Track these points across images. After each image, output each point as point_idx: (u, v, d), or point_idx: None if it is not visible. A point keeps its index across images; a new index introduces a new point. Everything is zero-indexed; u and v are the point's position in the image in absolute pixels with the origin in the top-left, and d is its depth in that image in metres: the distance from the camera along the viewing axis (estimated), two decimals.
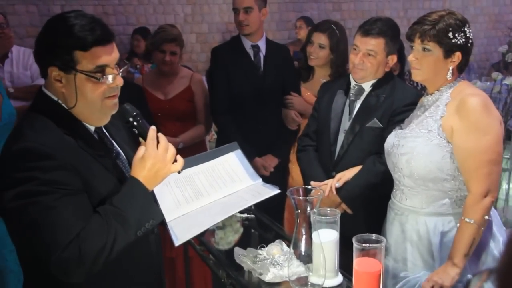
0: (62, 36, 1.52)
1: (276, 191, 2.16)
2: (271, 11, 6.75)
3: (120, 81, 1.60)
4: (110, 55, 1.57)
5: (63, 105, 1.59)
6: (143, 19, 6.38)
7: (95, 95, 1.57)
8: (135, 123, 1.67)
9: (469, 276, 2.14)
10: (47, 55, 1.55)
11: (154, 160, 1.60)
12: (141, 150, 1.62)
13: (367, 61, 2.57)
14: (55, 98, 1.59)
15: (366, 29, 2.57)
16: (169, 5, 6.55)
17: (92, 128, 1.67)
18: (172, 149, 1.66)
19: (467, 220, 2.07)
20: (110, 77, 1.57)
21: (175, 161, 1.66)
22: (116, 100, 1.63)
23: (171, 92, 3.50)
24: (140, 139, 1.67)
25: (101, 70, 1.55)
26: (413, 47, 2.22)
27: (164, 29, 3.58)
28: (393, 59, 2.62)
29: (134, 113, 1.68)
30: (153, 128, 1.65)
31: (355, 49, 2.60)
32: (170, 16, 6.46)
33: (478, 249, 2.14)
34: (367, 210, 2.58)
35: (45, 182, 1.44)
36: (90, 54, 1.53)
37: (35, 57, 1.60)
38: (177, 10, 6.59)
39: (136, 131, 1.67)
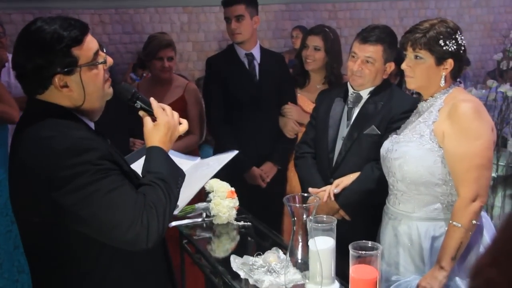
0: (55, 43, 1.52)
1: (234, 152, 2.23)
2: (267, 19, 6.78)
3: (111, 61, 1.67)
4: (94, 40, 1.63)
5: (67, 107, 1.60)
6: (140, 28, 6.40)
7: (98, 82, 1.62)
8: (139, 96, 1.75)
9: (457, 279, 2.15)
10: (47, 68, 1.53)
11: (168, 125, 1.71)
12: (148, 121, 1.72)
13: (366, 68, 2.59)
14: (60, 104, 1.59)
15: (364, 36, 2.59)
16: (166, 14, 6.56)
17: (92, 126, 1.70)
18: (176, 113, 1.77)
19: (454, 223, 2.09)
20: (107, 58, 1.64)
21: (180, 123, 1.79)
22: (110, 83, 1.69)
23: (165, 101, 3.42)
24: (140, 112, 1.76)
25: (95, 56, 1.61)
26: (406, 55, 2.25)
27: (155, 37, 3.59)
28: (391, 66, 2.64)
29: (133, 90, 1.76)
30: (153, 99, 1.76)
31: (353, 56, 2.62)
32: (166, 25, 6.47)
33: (467, 252, 2.15)
34: (365, 216, 2.59)
35: (98, 171, 1.48)
36: (84, 46, 1.57)
37: (25, 79, 1.57)
38: (173, 18, 6.61)
39: (139, 105, 1.75)
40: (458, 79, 2.29)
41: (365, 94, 2.67)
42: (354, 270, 1.67)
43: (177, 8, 6.61)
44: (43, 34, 1.52)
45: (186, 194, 1.91)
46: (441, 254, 2.11)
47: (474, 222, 2.09)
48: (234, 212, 2.63)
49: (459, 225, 2.08)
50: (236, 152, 2.24)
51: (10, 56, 3.95)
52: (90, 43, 1.60)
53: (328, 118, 2.76)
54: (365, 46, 2.58)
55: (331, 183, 2.63)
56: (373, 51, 2.57)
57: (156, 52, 3.48)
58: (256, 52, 3.50)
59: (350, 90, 2.71)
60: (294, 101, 3.45)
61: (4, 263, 3.36)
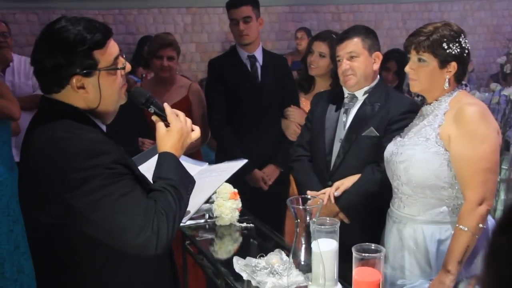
0: (78, 43, 1.52)
1: (243, 161, 2.21)
2: (270, 21, 6.78)
3: (129, 67, 1.68)
4: (115, 45, 1.63)
5: (81, 109, 1.60)
6: (143, 29, 6.40)
7: (115, 87, 1.63)
8: (154, 101, 1.76)
9: (465, 280, 2.15)
10: (66, 67, 1.53)
11: (182, 131, 1.71)
12: (161, 126, 1.72)
13: (353, 64, 2.61)
14: (74, 105, 1.59)
15: (340, 37, 2.68)
16: (169, 14, 6.57)
17: (104, 128, 1.70)
18: (189, 120, 1.77)
19: (461, 227, 2.08)
20: (126, 64, 1.65)
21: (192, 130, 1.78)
22: (125, 88, 1.70)
23: (168, 101, 3.40)
24: (153, 117, 1.76)
25: (115, 61, 1.61)
26: (410, 58, 2.25)
27: (159, 36, 3.63)
28: (378, 56, 2.66)
29: (148, 94, 1.76)
30: (166, 104, 1.76)
31: (339, 61, 2.66)
32: (170, 26, 6.47)
33: (473, 256, 2.15)
34: (366, 219, 2.58)
35: (111, 175, 1.48)
36: (106, 50, 1.58)
37: (43, 76, 1.57)
38: (177, 19, 6.61)
39: (153, 110, 1.75)
40: (464, 83, 2.29)
41: (360, 95, 2.67)
42: (357, 273, 1.67)
43: (180, 9, 6.61)
44: (67, 34, 1.53)
45: (194, 201, 1.91)
46: (447, 258, 2.10)
47: (480, 225, 2.09)
48: (237, 213, 2.63)
49: (466, 229, 2.07)
50: (245, 161, 2.23)
51: (14, 56, 3.98)
52: (112, 47, 1.61)
53: (324, 120, 2.75)
54: (343, 44, 2.63)
55: (329, 186, 2.62)
56: (353, 45, 2.61)
57: (157, 51, 3.49)
58: (258, 54, 3.50)
59: (345, 92, 2.71)
60: (297, 104, 3.45)
61: (5, 262, 3.37)
